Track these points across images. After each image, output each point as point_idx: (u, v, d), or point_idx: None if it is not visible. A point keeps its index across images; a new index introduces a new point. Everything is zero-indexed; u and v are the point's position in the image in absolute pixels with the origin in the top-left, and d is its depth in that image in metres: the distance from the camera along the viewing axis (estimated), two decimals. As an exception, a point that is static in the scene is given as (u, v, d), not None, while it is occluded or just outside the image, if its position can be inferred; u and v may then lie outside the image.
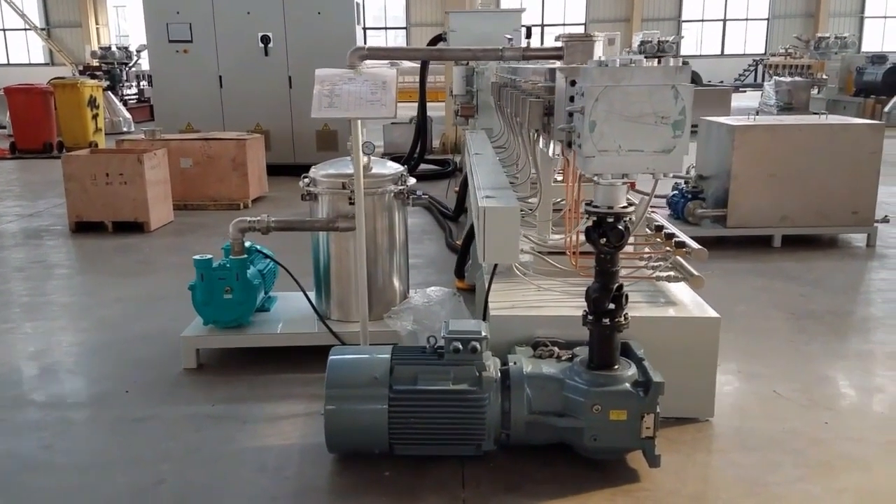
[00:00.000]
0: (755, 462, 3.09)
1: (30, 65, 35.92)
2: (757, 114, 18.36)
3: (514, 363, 3.06)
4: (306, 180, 4.13)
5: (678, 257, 3.67)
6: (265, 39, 10.63)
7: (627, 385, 2.93)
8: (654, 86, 2.69)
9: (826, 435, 3.30)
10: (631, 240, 4.16)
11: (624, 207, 2.85)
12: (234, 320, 4.06)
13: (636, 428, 2.90)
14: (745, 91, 26.97)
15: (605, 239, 2.86)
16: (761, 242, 6.40)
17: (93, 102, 14.18)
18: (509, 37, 6.43)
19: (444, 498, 2.82)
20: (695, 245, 3.59)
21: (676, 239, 3.63)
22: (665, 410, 3.38)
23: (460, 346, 2.97)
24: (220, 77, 10.74)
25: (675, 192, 6.91)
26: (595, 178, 2.86)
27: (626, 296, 2.96)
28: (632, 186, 3.60)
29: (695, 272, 3.54)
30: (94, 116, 14.28)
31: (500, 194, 3.69)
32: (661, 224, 3.92)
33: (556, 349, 3.23)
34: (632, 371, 3.00)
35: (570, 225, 3.67)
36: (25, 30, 35.67)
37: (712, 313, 3.40)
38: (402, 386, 2.95)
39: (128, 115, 17.95)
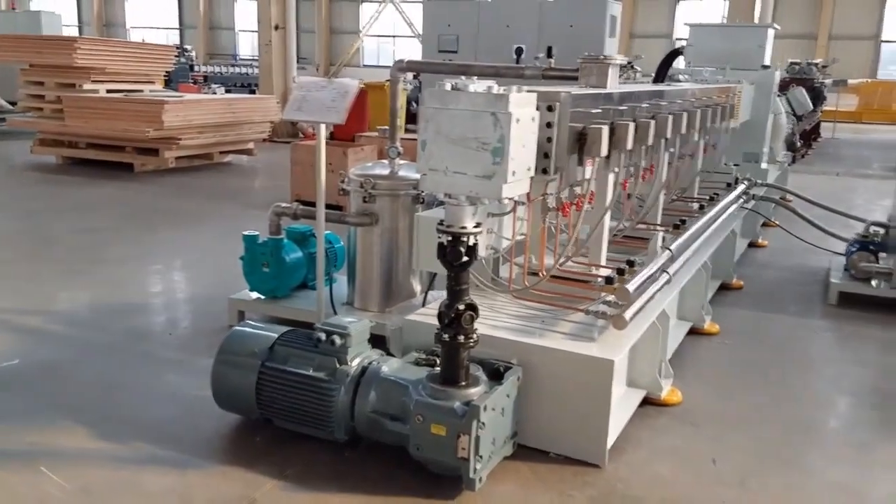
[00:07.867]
0: (588, 517, 2.89)
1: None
2: None
3: (376, 363, 3.25)
4: (343, 178, 4.63)
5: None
6: (518, 51, 11.14)
7: (456, 403, 2.96)
8: (476, 111, 2.73)
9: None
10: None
11: (463, 228, 2.89)
12: (270, 291, 4.71)
13: (454, 446, 2.93)
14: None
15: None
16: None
17: (398, 102, 16.05)
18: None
19: (272, 469, 3.14)
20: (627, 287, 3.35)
21: (608, 275, 3.43)
22: (555, 446, 3.32)
23: (322, 338, 3.26)
24: (476, 84, 11.54)
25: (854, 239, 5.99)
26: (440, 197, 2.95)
27: (471, 316, 2.99)
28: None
29: (624, 313, 3.31)
30: (399, 114, 16.17)
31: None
32: (633, 260, 3.69)
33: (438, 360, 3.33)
34: (475, 391, 3.02)
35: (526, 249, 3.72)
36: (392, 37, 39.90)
37: (609, 356, 3.19)
38: (273, 364, 3.32)
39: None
